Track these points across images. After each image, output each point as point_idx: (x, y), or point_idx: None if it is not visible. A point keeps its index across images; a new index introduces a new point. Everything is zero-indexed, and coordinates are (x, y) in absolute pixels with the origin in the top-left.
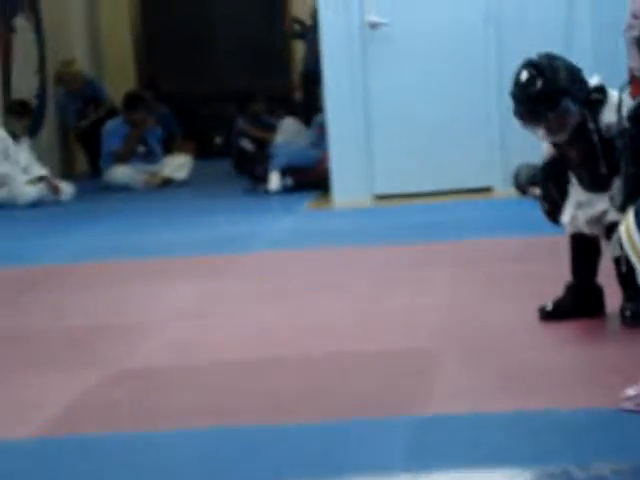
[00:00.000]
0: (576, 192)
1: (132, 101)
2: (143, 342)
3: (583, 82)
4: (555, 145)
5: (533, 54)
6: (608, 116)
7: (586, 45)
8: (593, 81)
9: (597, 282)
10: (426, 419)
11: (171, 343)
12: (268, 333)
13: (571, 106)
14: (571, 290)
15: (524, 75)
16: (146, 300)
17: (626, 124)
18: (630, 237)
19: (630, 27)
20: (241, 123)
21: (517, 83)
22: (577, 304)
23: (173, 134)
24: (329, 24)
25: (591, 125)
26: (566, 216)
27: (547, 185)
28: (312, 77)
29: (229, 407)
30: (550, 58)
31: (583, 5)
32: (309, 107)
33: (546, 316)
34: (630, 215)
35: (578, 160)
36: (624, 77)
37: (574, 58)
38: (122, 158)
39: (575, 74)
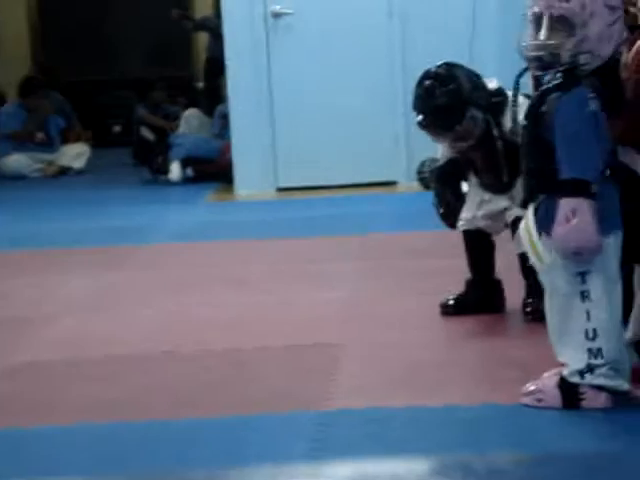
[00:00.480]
0: (476, 193)
1: (29, 86)
2: (34, 335)
3: (484, 88)
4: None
5: (438, 47)
6: (510, 119)
7: (491, 36)
8: (492, 85)
9: (495, 276)
10: (328, 413)
11: (63, 336)
12: (166, 327)
13: (476, 114)
14: (471, 285)
15: (425, 87)
16: (38, 292)
17: (523, 121)
18: (529, 235)
19: (532, 6)
20: (141, 111)
21: (419, 96)
22: (477, 299)
23: (70, 122)
24: (232, 13)
25: (495, 131)
26: (464, 215)
27: (443, 189)
28: (216, 66)
29: (124, 401)
30: (449, 67)
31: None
32: (212, 96)
33: (447, 311)
34: (529, 213)
35: (481, 164)
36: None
37: (479, 50)
38: (19, 139)
39: (476, 81)
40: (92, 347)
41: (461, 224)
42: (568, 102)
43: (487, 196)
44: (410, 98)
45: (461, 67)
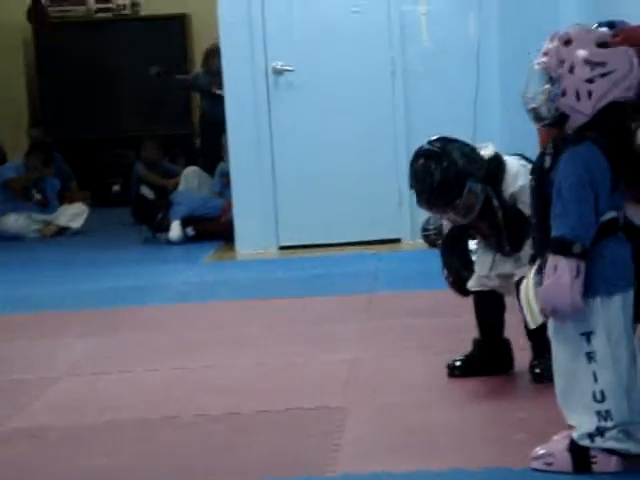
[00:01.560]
0: (486, 253)
1: (36, 145)
2: (34, 400)
3: (480, 159)
4: None
5: (442, 105)
6: (510, 184)
7: (495, 94)
8: (487, 152)
9: (504, 337)
10: (333, 479)
11: (63, 401)
12: (166, 391)
13: (475, 187)
14: (478, 346)
15: (421, 166)
16: (37, 356)
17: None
18: (526, 293)
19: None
20: (140, 169)
21: (415, 176)
22: (485, 360)
23: (68, 182)
24: (233, 70)
25: (495, 202)
26: (476, 275)
27: (450, 257)
28: (210, 124)
29: (123, 469)
30: (443, 143)
31: (491, 58)
32: (210, 154)
33: (454, 373)
34: (531, 274)
35: (486, 231)
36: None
37: (483, 108)
38: (16, 187)
39: (470, 154)
40: (92, 412)
41: (472, 284)
42: (567, 159)
43: (498, 256)
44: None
45: (454, 140)
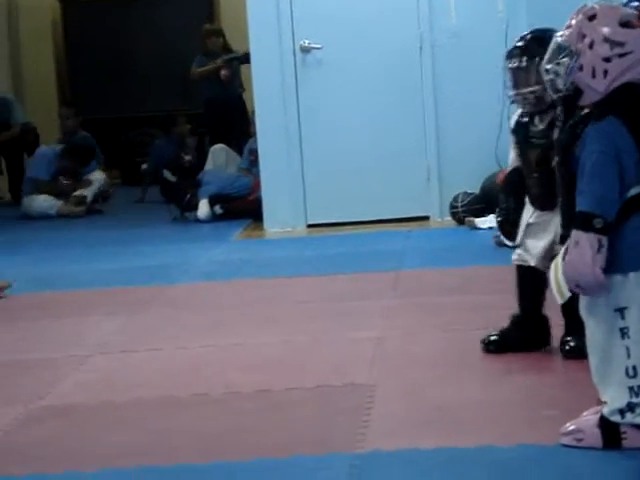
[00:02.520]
0: (527, 212)
1: (77, 153)
2: (64, 378)
3: None
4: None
5: (471, 80)
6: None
7: None
8: None
9: (543, 313)
10: (361, 456)
11: (93, 379)
12: (195, 368)
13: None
14: (516, 321)
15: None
16: (66, 334)
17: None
18: (555, 270)
19: None
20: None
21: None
22: (521, 335)
23: (97, 162)
24: (261, 49)
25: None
26: (518, 250)
27: (506, 195)
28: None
29: (154, 446)
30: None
31: (520, 32)
32: (238, 132)
33: (489, 348)
34: (560, 253)
35: (535, 165)
36: None
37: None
38: (45, 192)
39: None
40: (121, 390)
41: (515, 258)
42: (591, 134)
43: (532, 219)
44: (442, 132)
45: None
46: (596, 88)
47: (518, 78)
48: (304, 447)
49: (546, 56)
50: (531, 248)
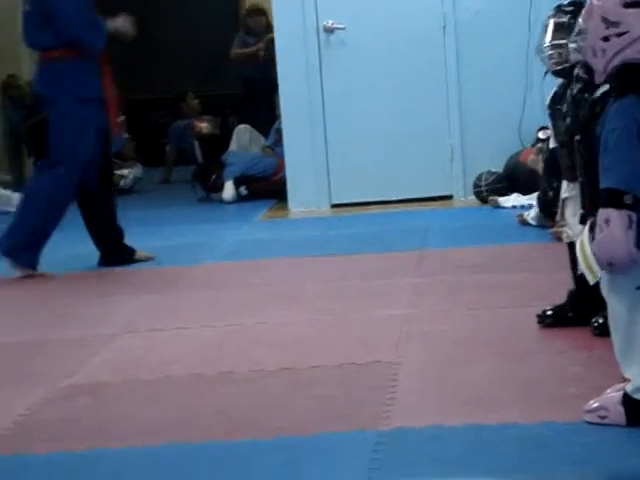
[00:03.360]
0: (563, 187)
1: None
2: (91, 357)
3: None
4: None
5: (494, 59)
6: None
7: None
8: None
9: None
10: (386, 433)
11: (120, 357)
12: (221, 347)
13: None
14: (571, 297)
15: None
16: (96, 313)
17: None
18: (582, 248)
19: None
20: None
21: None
22: (577, 310)
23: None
24: (284, 29)
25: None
26: (567, 228)
27: (546, 175)
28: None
29: (181, 423)
30: None
31: (543, 10)
32: (260, 111)
33: (545, 321)
34: (585, 231)
35: (562, 136)
36: None
37: (536, 64)
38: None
39: None
40: (148, 368)
41: (564, 237)
42: (613, 112)
43: (567, 194)
44: (465, 112)
45: None
46: (597, 67)
47: (558, 32)
48: (329, 424)
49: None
50: (572, 225)
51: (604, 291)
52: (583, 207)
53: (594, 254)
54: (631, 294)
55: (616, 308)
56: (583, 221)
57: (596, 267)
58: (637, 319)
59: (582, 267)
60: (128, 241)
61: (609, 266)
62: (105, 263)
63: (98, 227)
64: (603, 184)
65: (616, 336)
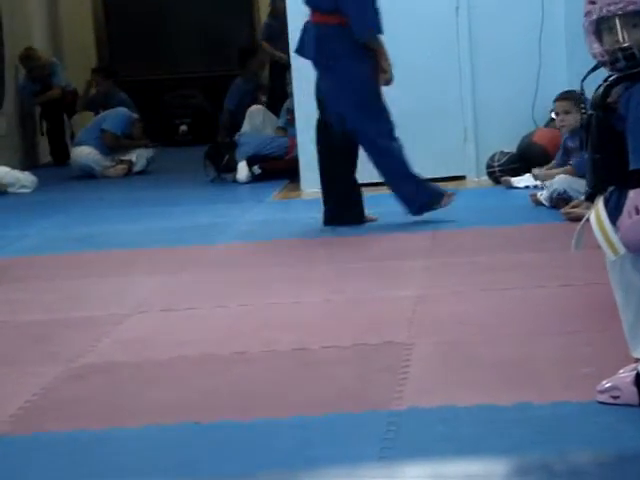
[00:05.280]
0: None
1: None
2: (106, 336)
3: None
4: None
5: (506, 40)
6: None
7: (560, 27)
8: None
9: None
10: (398, 413)
11: (134, 337)
12: (234, 327)
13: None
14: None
15: None
16: (108, 293)
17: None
18: (600, 225)
19: (588, 13)
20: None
21: None
22: None
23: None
24: (296, 11)
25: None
26: None
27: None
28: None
29: (195, 403)
30: None
31: None
32: (277, 94)
33: None
34: (600, 203)
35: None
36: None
37: (548, 44)
38: (110, 145)
39: None
40: (161, 348)
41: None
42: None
43: None
44: (478, 92)
45: None
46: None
47: None
48: (342, 404)
49: (619, 32)
50: None
51: (613, 271)
52: (592, 185)
53: (624, 236)
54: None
55: (628, 287)
56: (590, 199)
57: (619, 244)
58: None
59: (601, 242)
60: (141, 222)
61: None
62: (333, 222)
63: (337, 184)
64: (635, 164)
65: (627, 315)
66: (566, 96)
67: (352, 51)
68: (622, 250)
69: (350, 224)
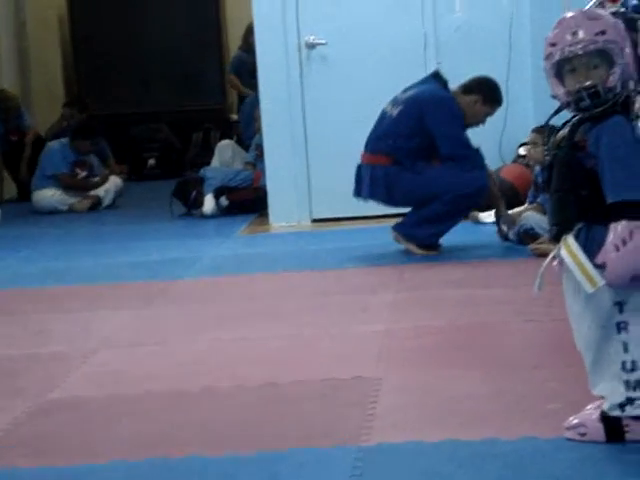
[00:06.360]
0: None
1: (85, 131)
2: (72, 372)
3: None
4: None
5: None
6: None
7: (527, 72)
8: None
9: None
10: (367, 448)
11: (101, 372)
12: (202, 362)
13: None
14: None
15: None
16: (75, 328)
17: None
18: (575, 258)
19: (549, 56)
20: None
21: None
22: None
23: (105, 157)
24: (266, 44)
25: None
26: None
27: None
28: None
29: (162, 439)
30: None
31: (523, 28)
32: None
33: None
34: (570, 238)
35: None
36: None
37: (514, 81)
38: (65, 185)
39: None
40: (129, 383)
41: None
42: (610, 128)
43: None
44: None
45: None
46: (634, 77)
47: None
48: (310, 440)
49: (582, 72)
50: None
51: (574, 308)
52: (559, 223)
53: (612, 269)
54: (607, 310)
55: (590, 324)
56: (556, 239)
57: (597, 277)
58: (610, 335)
59: (578, 276)
60: (108, 256)
61: (633, 280)
62: None
63: None
64: (616, 197)
65: (588, 353)
66: (537, 129)
67: None
68: (601, 282)
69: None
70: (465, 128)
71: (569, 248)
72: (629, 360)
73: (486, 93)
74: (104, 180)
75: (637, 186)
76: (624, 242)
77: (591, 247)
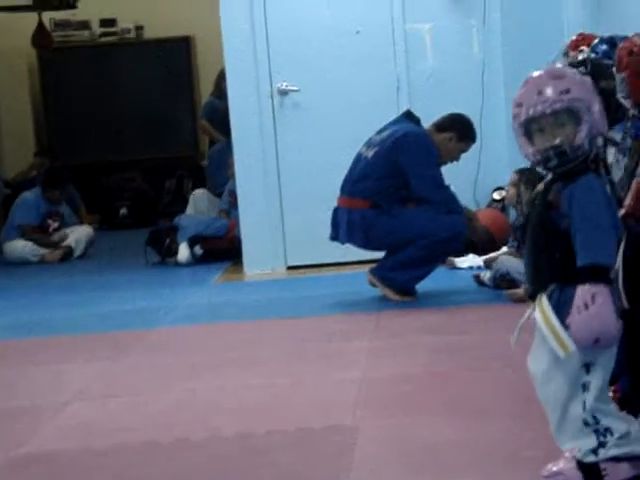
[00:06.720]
0: None
1: (54, 180)
2: (43, 425)
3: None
4: None
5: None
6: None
7: (500, 117)
8: None
9: None
10: None
11: (72, 425)
12: (176, 412)
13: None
14: None
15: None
16: (46, 380)
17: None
18: (548, 322)
19: (516, 116)
20: None
21: None
22: None
23: (76, 207)
24: (238, 91)
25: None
26: None
27: None
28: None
29: None
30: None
31: (496, 72)
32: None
33: None
34: (542, 302)
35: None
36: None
37: (488, 126)
38: (34, 239)
39: None
40: (102, 436)
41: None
42: (583, 188)
43: None
44: None
45: None
46: (604, 134)
47: None
48: None
49: (549, 131)
50: None
51: (542, 365)
52: (533, 283)
53: (576, 332)
54: (576, 372)
55: (559, 385)
56: (532, 297)
57: (570, 342)
58: (576, 396)
59: (550, 341)
60: (80, 307)
61: (595, 343)
62: None
63: None
64: (587, 260)
65: (553, 413)
66: (519, 170)
67: None
68: (573, 347)
69: None
70: (440, 165)
71: (543, 312)
72: (590, 416)
73: (460, 130)
74: (62, 239)
75: (604, 249)
76: (586, 306)
77: (563, 308)
